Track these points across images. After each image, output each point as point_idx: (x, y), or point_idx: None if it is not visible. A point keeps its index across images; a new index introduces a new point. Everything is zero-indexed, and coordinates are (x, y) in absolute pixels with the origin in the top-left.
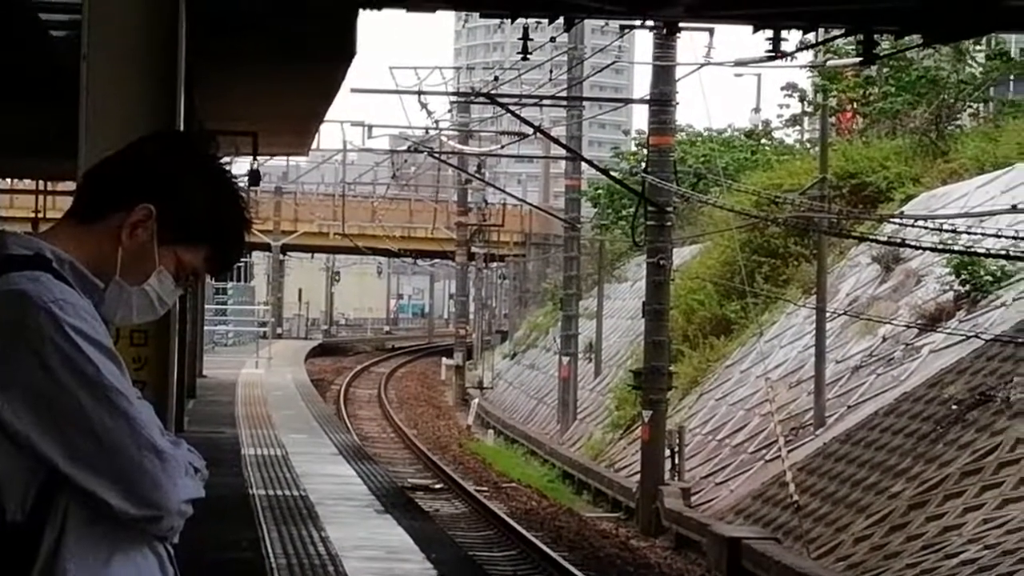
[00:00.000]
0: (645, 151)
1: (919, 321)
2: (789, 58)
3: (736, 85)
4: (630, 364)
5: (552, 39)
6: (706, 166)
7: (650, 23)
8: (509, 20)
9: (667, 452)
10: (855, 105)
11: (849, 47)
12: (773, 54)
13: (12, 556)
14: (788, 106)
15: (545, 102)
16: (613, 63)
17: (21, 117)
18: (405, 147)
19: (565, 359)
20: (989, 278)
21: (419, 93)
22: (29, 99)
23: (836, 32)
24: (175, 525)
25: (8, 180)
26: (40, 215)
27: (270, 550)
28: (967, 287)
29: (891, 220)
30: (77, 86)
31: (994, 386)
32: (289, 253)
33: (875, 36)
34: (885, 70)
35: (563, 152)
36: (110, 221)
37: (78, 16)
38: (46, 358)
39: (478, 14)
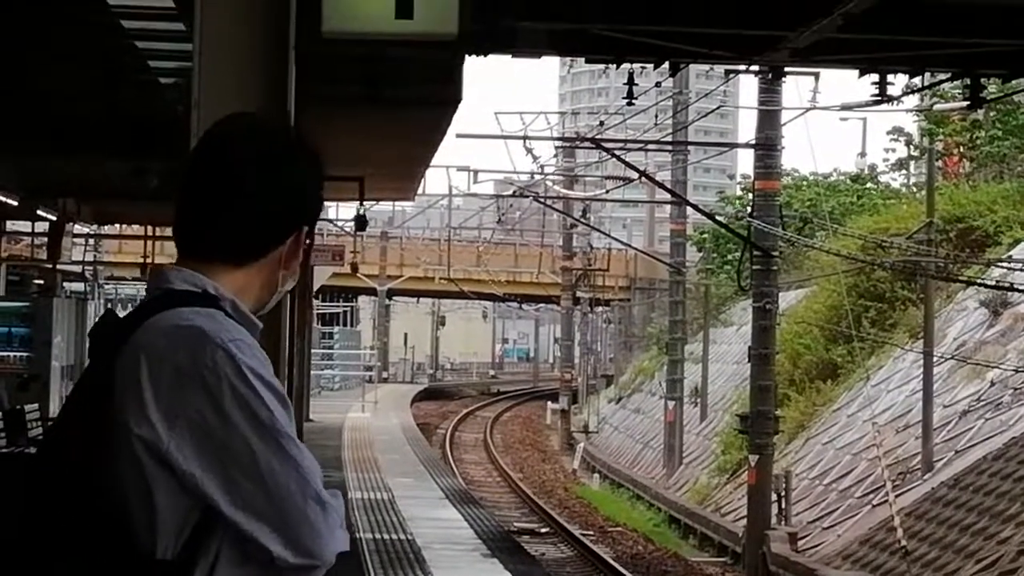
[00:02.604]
0: (751, 195)
1: None
2: (895, 102)
3: (842, 129)
4: (736, 408)
5: (657, 84)
6: (812, 210)
7: (755, 68)
8: (614, 65)
9: (774, 496)
10: (962, 149)
11: (956, 91)
12: (879, 98)
13: None
14: (894, 150)
15: (650, 147)
16: (718, 108)
17: (129, 164)
18: (510, 192)
19: (671, 403)
20: None
21: (524, 138)
22: (138, 146)
23: (942, 76)
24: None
25: (118, 226)
26: (149, 260)
27: None
28: None
29: (999, 264)
30: (186, 133)
31: None
32: (395, 298)
33: (982, 80)
34: (992, 114)
35: (668, 196)
36: (271, 255)
37: (187, 64)
38: (220, 398)
39: (583, 59)
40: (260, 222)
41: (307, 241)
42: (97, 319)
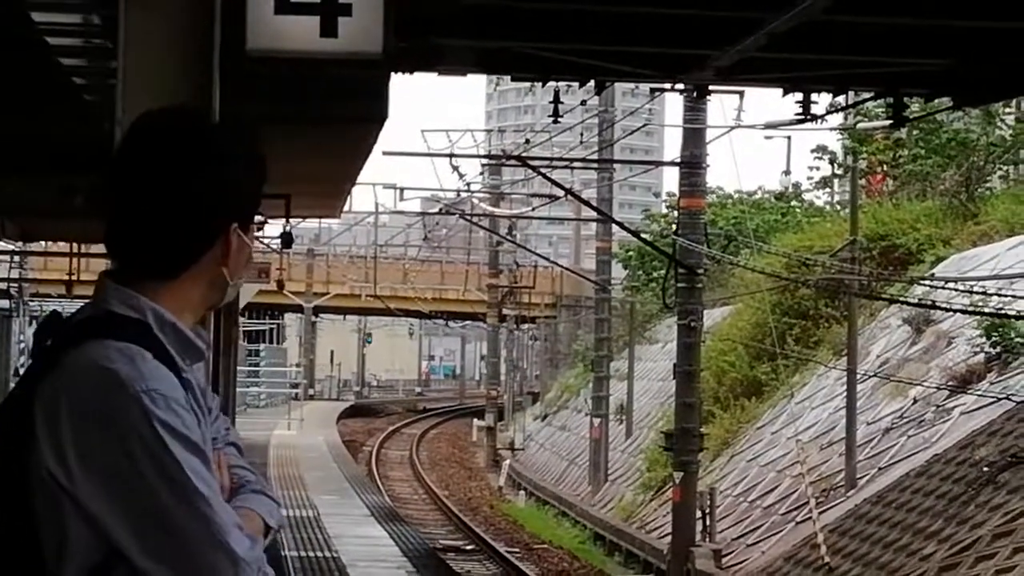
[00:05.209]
0: (676, 213)
1: (950, 383)
2: (819, 121)
3: (766, 147)
4: (661, 425)
5: (583, 102)
6: (736, 228)
7: (680, 86)
8: (540, 83)
9: (698, 513)
10: (885, 167)
11: (879, 110)
12: (803, 117)
13: None
14: (818, 168)
15: (576, 164)
16: (644, 126)
17: (53, 180)
18: (436, 209)
19: (596, 420)
20: (1020, 340)
21: (451, 156)
22: (61, 162)
23: (866, 95)
24: None
25: (42, 243)
26: (74, 277)
27: None
28: (998, 349)
29: (922, 282)
30: (109, 150)
31: None
32: (321, 315)
33: (905, 99)
34: (915, 132)
35: (594, 214)
36: (205, 259)
37: (112, 81)
38: (131, 449)
39: (509, 77)
40: (177, 230)
41: (247, 235)
42: (42, 319)
